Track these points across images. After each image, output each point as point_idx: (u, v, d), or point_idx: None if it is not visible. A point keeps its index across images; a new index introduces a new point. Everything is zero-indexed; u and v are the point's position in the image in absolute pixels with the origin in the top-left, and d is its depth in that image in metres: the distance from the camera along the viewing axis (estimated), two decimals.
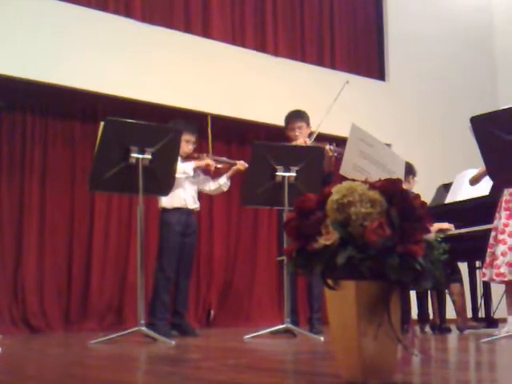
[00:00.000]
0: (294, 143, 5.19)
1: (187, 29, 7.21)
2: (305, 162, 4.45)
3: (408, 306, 5.32)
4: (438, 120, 8.70)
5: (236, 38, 7.61)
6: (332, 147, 5.11)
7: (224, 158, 5.38)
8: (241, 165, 5.19)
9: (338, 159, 5.03)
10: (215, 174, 5.41)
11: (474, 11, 9.64)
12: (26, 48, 5.91)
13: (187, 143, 5.06)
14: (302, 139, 5.25)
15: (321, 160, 4.62)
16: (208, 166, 5.15)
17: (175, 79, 6.75)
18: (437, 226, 5.15)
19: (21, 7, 5.98)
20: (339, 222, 1.60)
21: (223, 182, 5.26)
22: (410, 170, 5.34)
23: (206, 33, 7.35)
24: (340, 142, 5.20)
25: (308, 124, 5.36)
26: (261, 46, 7.76)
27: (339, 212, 1.60)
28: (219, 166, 5.28)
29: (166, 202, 4.99)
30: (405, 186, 5.19)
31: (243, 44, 7.60)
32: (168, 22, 7.03)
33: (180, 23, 7.19)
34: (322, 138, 5.44)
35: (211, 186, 5.30)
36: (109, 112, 6.03)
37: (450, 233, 5.15)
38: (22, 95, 6.28)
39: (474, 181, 4.83)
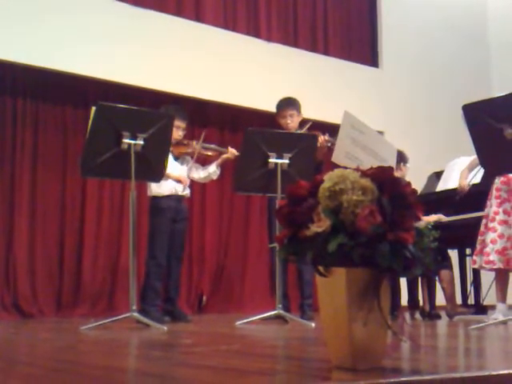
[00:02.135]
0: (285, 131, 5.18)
1: (179, 13, 7.17)
2: (298, 149, 4.45)
3: (398, 293, 5.36)
4: (430, 107, 8.71)
5: (228, 22, 7.58)
6: (326, 137, 5.10)
7: (213, 146, 5.37)
8: (230, 153, 5.18)
9: (332, 149, 5.04)
10: (205, 162, 5.41)
11: None
12: (17, 33, 5.87)
13: (177, 129, 5.04)
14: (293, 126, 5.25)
15: (314, 148, 4.62)
16: (180, 181, 5.11)
17: (167, 64, 6.73)
18: (425, 219, 5.16)
19: None
20: (331, 210, 1.60)
21: (212, 170, 5.25)
22: (400, 158, 5.34)
23: (198, 17, 7.32)
24: (332, 129, 5.20)
25: (299, 111, 5.34)
26: (254, 32, 7.73)
27: (331, 199, 1.61)
28: (209, 153, 5.27)
29: (156, 190, 4.99)
30: (397, 173, 5.21)
31: (235, 29, 7.57)
32: (160, 6, 6.99)
33: (172, 7, 7.16)
34: (315, 125, 5.43)
35: (201, 174, 5.29)
36: (100, 97, 6.01)
37: (441, 222, 5.18)
38: (12, 80, 6.25)
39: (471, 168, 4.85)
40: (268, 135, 4.52)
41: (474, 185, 5.13)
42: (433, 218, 5.18)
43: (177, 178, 5.07)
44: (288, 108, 5.30)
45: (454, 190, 5.41)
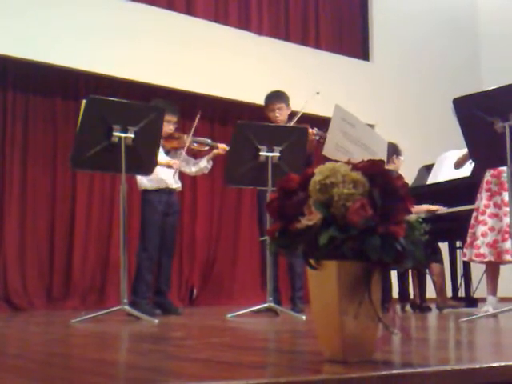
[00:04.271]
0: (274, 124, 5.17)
1: (170, 6, 7.15)
2: (288, 142, 4.44)
3: (389, 286, 5.38)
4: (421, 101, 8.73)
5: (219, 16, 7.56)
6: (314, 130, 5.09)
7: (205, 140, 5.34)
8: (221, 149, 5.17)
9: (320, 142, 5.04)
10: (197, 155, 5.39)
11: None
12: (6, 26, 5.84)
13: (168, 123, 5.02)
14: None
15: (304, 140, 4.60)
16: (170, 166, 5.06)
17: (158, 57, 6.71)
18: (425, 207, 5.21)
19: None
20: (322, 203, 1.60)
21: (203, 165, 5.24)
22: (394, 150, 5.35)
23: (189, 10, 7.29)
24: (322, 122, 5.19)
25: (288, 105, 5.33)
26: (245, 25, 7.72)
27: (322, 192, 1.61)
28: (200, 147, 5.25)
29: (147, 183, 4.97)
30: (390, 166, 5.23)
31: (227, 22, 7.55)
32: (151, 0, 6.97)
33: (163, 1, 7.13)
34: (304, 118, 5.43)
35: (192, 168, 5.29)
36: (90, 90, 6.00)
37: (438, 213, 5.21)
38: (2, 72, 6.22)
39: (458, 165, 4.84)
40: (258, 128, 4.52)
41: (464, 178, 5.15)
42: (432, 207, 5.22)
43: (166, 163, 5.03)
44: (276, 101, 5.29)
45: (444, 183, 5.43)
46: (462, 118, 3.76)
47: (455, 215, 5.14)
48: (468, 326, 3.42)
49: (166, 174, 5.04)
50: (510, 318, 4.05)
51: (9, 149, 6.20)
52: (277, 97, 5.32)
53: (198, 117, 5.13)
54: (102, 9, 6.46)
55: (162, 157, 4.90)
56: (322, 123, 4.84)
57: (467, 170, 5.08)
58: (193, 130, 5.13)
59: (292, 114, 5.35)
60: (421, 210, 5.13)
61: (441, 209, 5.30)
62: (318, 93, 5.34)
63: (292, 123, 5.22)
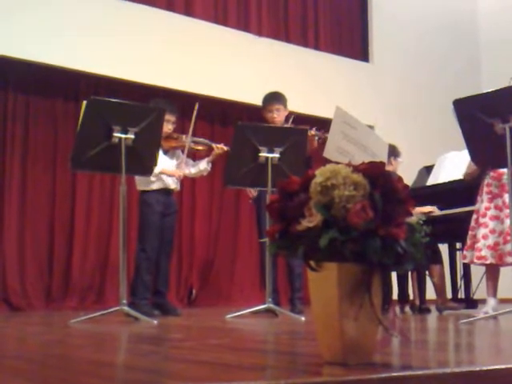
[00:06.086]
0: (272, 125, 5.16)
1: (169, 7, 7.15)
2: (288, 143, 4.44)
3: (389, 288, 5.37)
4: (421, 102, 8.73)
5: (219, 16, 7.56)
6: (313, 131, 5.09)
7: (203, 140, 5.32)
8: (218, 149, 5.15)
9: (319, 143, 5.03)
10: (195, 156, 5.39)
11: None
12: (7, 26, 5.84)
13: (167, 123, 5.01)
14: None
15: (304, 141, 4.60)
16: (179, 176, 5.07)
17: (158, 58, 6.71)
18: (418, 210, 5.19)
19: None
20: (322, 205, 1.60)
21: (203, 167, 5.23)
22: (392, 152, 5.35)
23: (188, 11, 7.29)
24: (323, 124, 5.19)
25: (285, 106, 5.33)
26: (244, 26, 7.72)
27: (323, 194, 1.60)
28: (199, 147, 5.24)
29: (145, 184, 4.97)
30: (388, 167, 5.22)
31: (226, 23, 7.55)
32: (150, 1, 6.97)
33: (162, 1, 7.13)
34: (304, 118, 5.42)
35: (191, 170, 5.28)
36: (91, 91, 6.00)
37: (433, 215, 5.19)
38: (3, 73, 6.21)
39: (469, 176, 4.77)
40: (259, 129, 4.51)
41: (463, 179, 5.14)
42: (426, 208, 5.20)
43: (172, 173, 5.04)
44: (275, 102, 5.29)
45: (444, 184, 5.42)
46: (462, 119, 3.75)
47: (455, 217, 5.14)
48: (468, 328, 3.41)
49: (165, 175, 5.03)
50: (510, 320, 4.05)
51: (9, 149, 6.20)
52: (274, 98, 5.32)
53: (197, 107, 5.10)
54: (102, 9, 6.46)
55: (163, 164, 4.89)
56: (325, 125, 4.83)
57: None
58: (191, 129, 5.12)
59: (287, 116, 5.35)
60: (416, 212, 5.11)
61: (435, 209, 5.29)
62: (293, 116, 5.32)
63: (289, 125, 5.21)
